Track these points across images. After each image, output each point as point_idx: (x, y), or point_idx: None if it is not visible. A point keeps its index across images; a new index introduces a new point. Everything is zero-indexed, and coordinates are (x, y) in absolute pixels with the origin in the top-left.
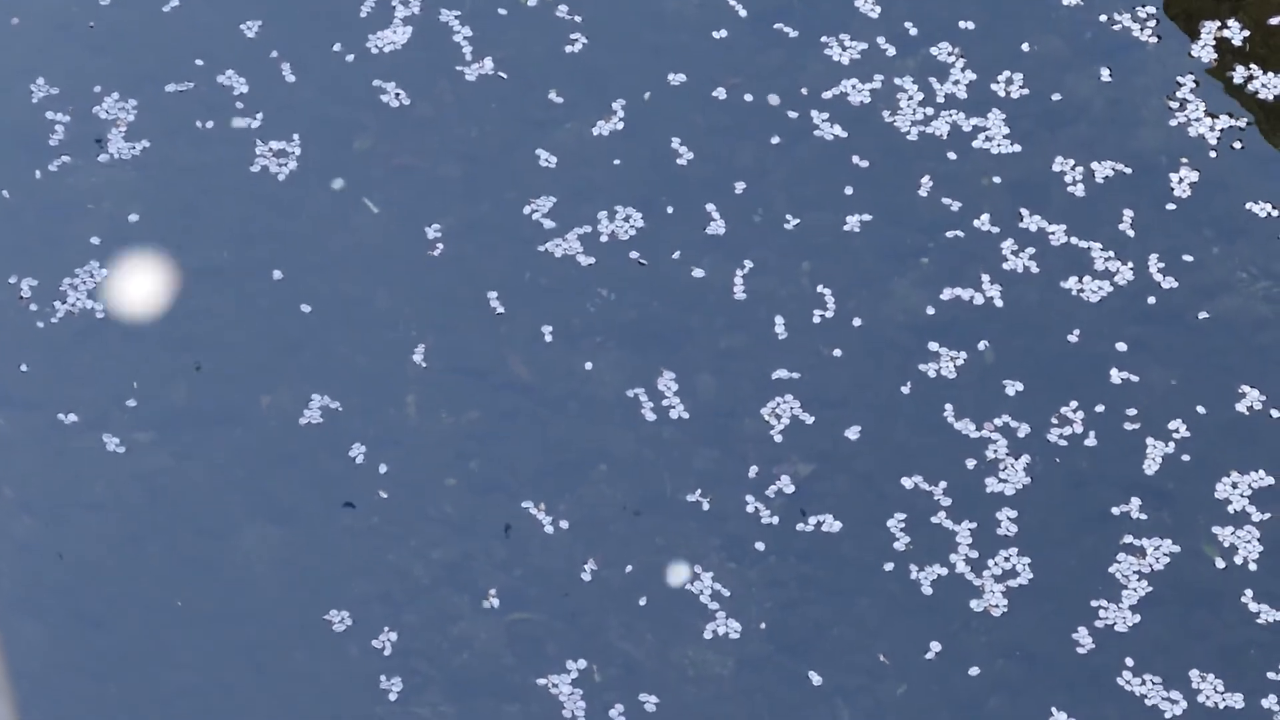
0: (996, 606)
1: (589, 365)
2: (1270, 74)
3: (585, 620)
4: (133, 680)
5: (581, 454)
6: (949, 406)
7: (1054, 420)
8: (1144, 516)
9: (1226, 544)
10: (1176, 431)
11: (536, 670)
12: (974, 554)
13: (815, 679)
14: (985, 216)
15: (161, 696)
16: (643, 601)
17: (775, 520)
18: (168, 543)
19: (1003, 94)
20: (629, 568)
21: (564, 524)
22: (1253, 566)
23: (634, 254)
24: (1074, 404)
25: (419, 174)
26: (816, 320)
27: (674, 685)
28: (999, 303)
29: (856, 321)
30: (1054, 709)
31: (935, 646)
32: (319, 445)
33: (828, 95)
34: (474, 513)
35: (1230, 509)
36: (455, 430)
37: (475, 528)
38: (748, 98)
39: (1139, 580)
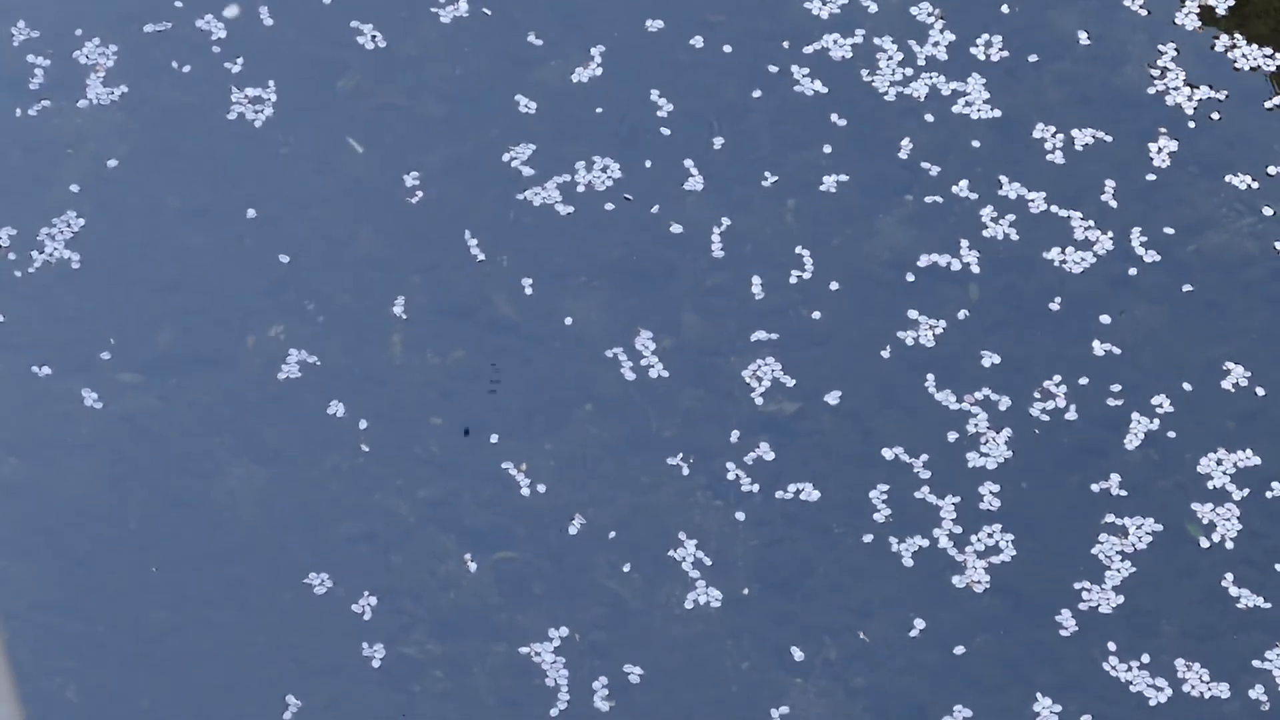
0: (979, 583)
1: (570, 318)
2: (1252, 45)
3: (571, 560)
4: (118, 619)
5: (567, 393)
6: (930, 377)
7: (1036, 395)
8: (1124, 493)
9: (1206, 521)
10: (1160, 406)
11: (523, 609)
12: (957, 529)
13: (801, 619)
14: (964, 182)
15: (146, 635)
16: (629, 542)
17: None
18: (153, 483)
19: (982, 57)
20: (615, 507)
21: (540, 487)
22: (1230, 545)
23: (626, 196)
24: (1057, 378)
25: (403, 113)
26: (793, 281)
27: (660, 626)
28: (978, 269)
29: (834, 285)
30: (1039, 694)
31: (919, 624)
32: (304, 384)
33: (809, 50)
34: (460, 452)
35: (1211, 485)
36: (441, 370)
37: (461, 467)
38: (727, 49)
39: (1122, 560)
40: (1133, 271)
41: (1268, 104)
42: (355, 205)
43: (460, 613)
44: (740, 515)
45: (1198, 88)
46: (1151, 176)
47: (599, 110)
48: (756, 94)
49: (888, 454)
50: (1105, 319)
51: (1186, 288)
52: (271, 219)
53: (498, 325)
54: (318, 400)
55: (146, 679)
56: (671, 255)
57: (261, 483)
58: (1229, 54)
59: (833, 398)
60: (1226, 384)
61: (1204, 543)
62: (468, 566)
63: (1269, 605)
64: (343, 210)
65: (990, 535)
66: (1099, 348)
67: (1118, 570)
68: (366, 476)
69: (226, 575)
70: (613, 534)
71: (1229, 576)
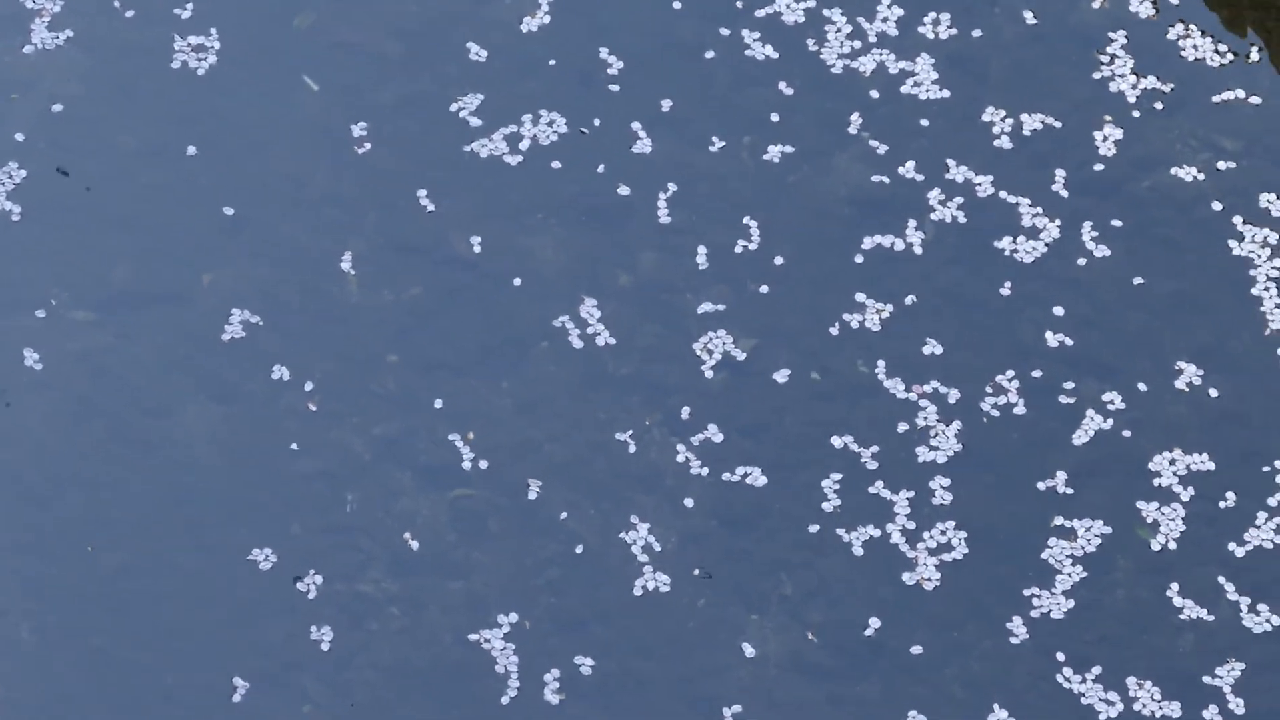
0: (929, 580)
1: (527, 256)
2: (1203, 36)
3: (527, 496)
4: (73, 558)
5: (524, 330)
6: (881, 363)
7: (988, 389)
8: (1071, 491)
9: (1150, 519)
10: (1111, 403)
11: (479, 547)
12: (911, 525)
13: (755, 558)
14: (911, 164)
15: (102, 575)
16: (586, 479)
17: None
18: (109, 422)
19: (931, 35)
20: (573, 443)
21: (498, 425)
22: (1173, 545)
23: (582, 130)
24: (1010, 373)
25: (358, 52)
26: (739, 251)
27: (617, 565)
28: (924, 253)
29: (778, 260)
30: (996, 706)
31: (875, 623)
32: (260, 322)
33: (761, 13)
34: (416, 390)
35: (1158, 484)
36: (397, 306)
37: (417, 405)
38: (676, 5)
39: (1072, 564)
40: (1082, 262)
41: (1215, 98)
42: (311, 144)
43: (416, 550)
44: (695, 457)
45: (1144, 76)
46: (1099, 166)
47: (551, 63)
48: (709, 55)
49: (837, 442)
50: (1059, 310)
51: (1138, 280)
52: (226, 157)
53: (454, 263)
54: (273, 339)
55: (102, 619)
56: (617, 217)
57: (218, 421)
58: (1180, 43)
59: (781, 375)
60: (1180, 383)
61: (1155, 545)
62: (411, 544)
63: (1212, 618)
64: (298, 148)
65: (944, 533)
66: (1052, 339)
67: (1068, 574)
68: (322, 414)
69: (183, 514)
70: (570, 472)
71: (1174, 586)
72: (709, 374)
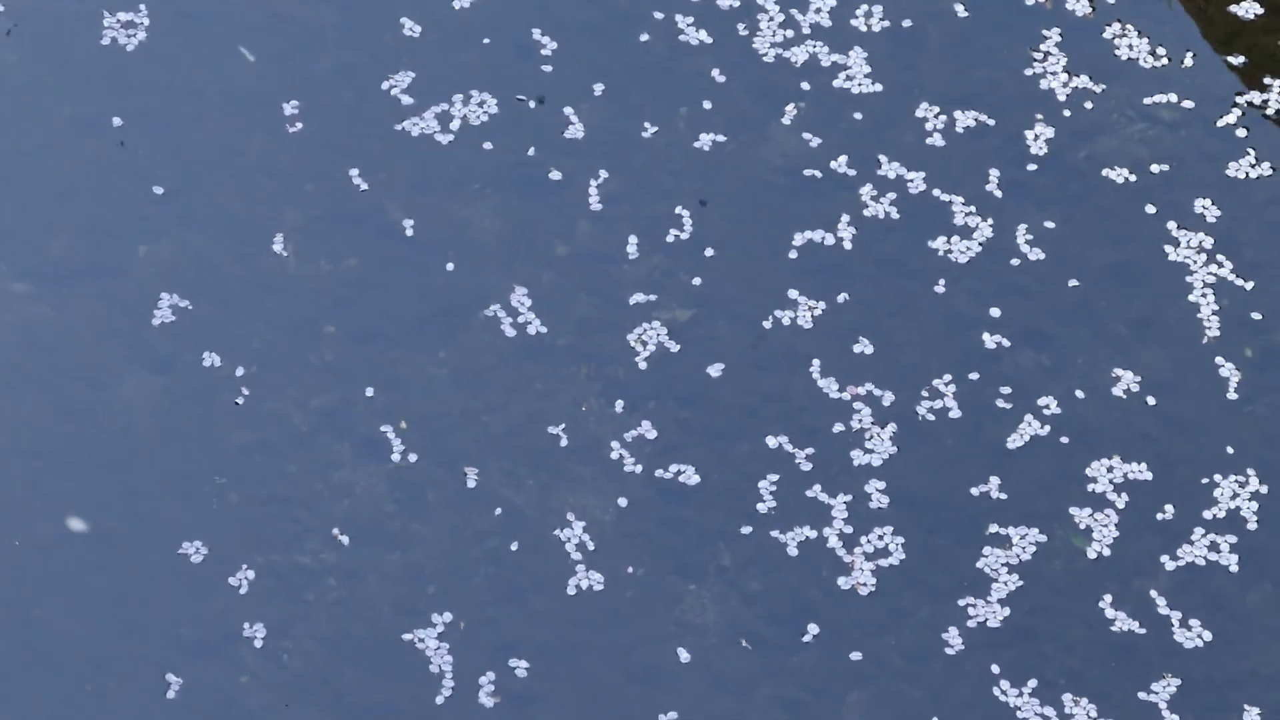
0: (864, 585)
1: (463, 226)
2: (1139, 36)
3: (466, 465)
4: (12, 529)
5: (461, 300)
6: (816, 362)
7: (925, 394)
8: (1005, 496)
9: (1083, 525)
10: (1048, 408)
11: (418, 518)
12: (848, 529)
13: (694, 526)
14: (844, 158)
15: (43, 545)
16: (523, 445)
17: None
18: (47, 393)
19: (864, 28)
20: (510, 414)
21: (436, 395)
22: (1108, 553)
23: (519, 98)
24: (947, 377)
25: (292, 22)
26: (670, 240)
27: (554, 534)
28: (857, 251)
29: (709, 251)
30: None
31: (813, 629)
32: (197, 293)
33: None
34: (353, 360)
35: (1094, 491)
36: (333, 277)
37: (355, 375)
38: None
39: (1008, 573)
40: (1016, 263)
41: (1146, 100)
42: (246, 115)
43: (354, 521)
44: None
45: (1077, 75)
46: (1032, 167)
47: (485, 41)
48: (644, 37)
49: (771, 442)
50: (995, 312)
51: (1073, 283)
52: (161, 129)
53: (390, 234)
54: (211, 309)
55: (40, 589)
56: (548, 205)
57: (155, 391)
58: (1115, 43)
59: (715, 369)
60: (1118, 390)
61: (1091, 554)
62: (341, 539)
63: (1144, 631)
64: (234, 119)
65: (881, 538)
66: (989, 340)
67: (1004, 583)
68: (259, 385)
69: (120, 485)
70: (507, 442)
71: (1107, 598)
72: (643, 365)
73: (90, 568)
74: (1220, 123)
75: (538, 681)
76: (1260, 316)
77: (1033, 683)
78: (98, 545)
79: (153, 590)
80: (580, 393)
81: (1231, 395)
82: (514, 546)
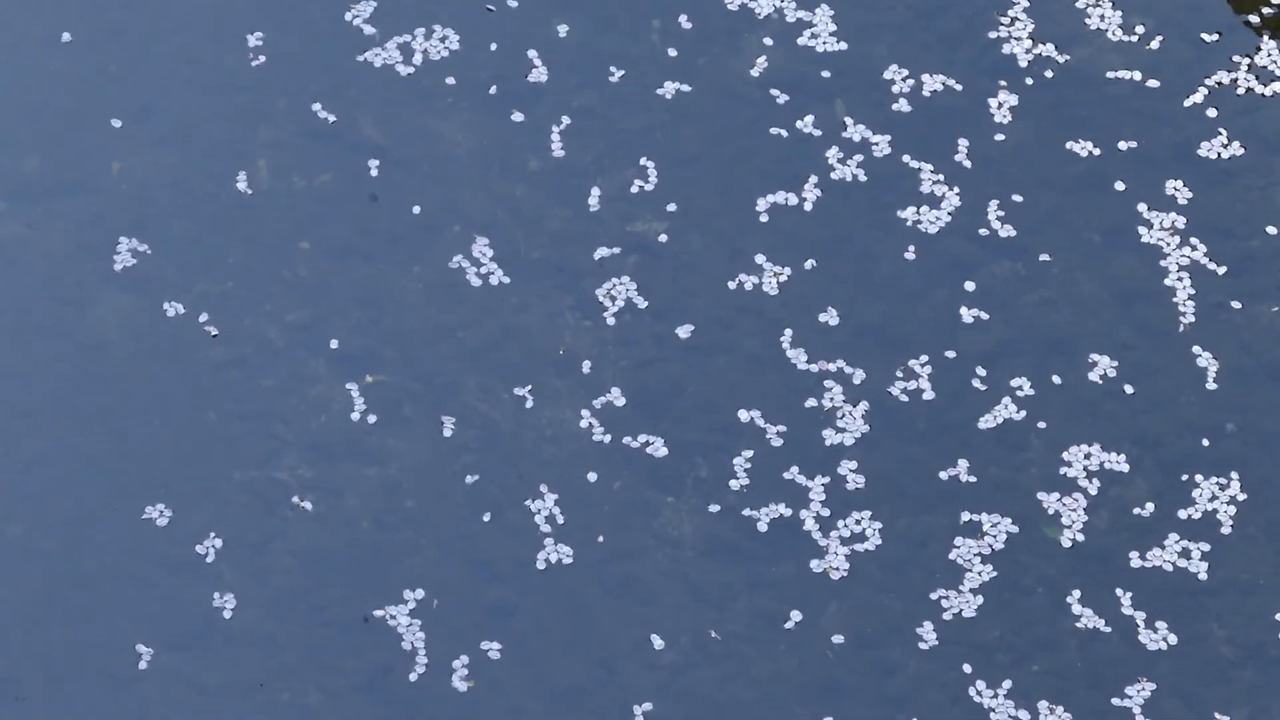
0: (836, 570)
1: (437, 141)
2: (1113, 8)
3: (442, 380)
4: None
5: (435, 216)
6: (788, 332)
7: (899, 374)
8: (974, 479)
9: (1051, 510)
10: (1020, 389)
11: (394, 432)
12: (825, 512)
13: (673, 437)
14: (810, 118)
15: (18, 463)
16: (497, 359)
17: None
18: (22, 311)
19: None
20: (485, 328)
21: (410, 310)
22: (1079, 549)
23: (489, 8)
24: (924, 358)
25: None
26: (634, 191)
27: (531, 446)
28: (824, 215)
29: (671, 206)
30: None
31: (797, 616)
32: (171, 211)
33: None
34: (329, 276)
35: (1067, 480)
36: (307, 194)
37: (330, 291)
38: None
39: (981, 563)
40: (983, 232)
41: (1110, 73)
42: (218, 31)
43: (331, 436)
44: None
45: (1042, 44)
46: (1000, 137)
47: None
48: None
49: (744, 416)
50: (970, 285)
51: (1044, 257)
52: (136, 45)
53: (364, 149)
54: (185, 227)
55: (18, 507)
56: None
57: (130, 309)
58: (1086, 12)
59: (684, 330)
60: (1094, 375)
61: (1065, 542)
62: (304, 505)
63: (1109, 629)
64: (206, 36)
65: (859, 522)
66: (967, 315)
67: (976, 573)
68: (235, 302)
69: (96, 403)
70: (482, 357)
71: (1075, 594)
72: (610, 320)
73: (68, 484)
74: (1188, 102)
75: (518, 594)
76: (1239, 305)
77: (1007, 683)
78: (75, 462)
79: (129, 508)
80: (555, 306)
81: (1210, 385)
82: (491, 460)
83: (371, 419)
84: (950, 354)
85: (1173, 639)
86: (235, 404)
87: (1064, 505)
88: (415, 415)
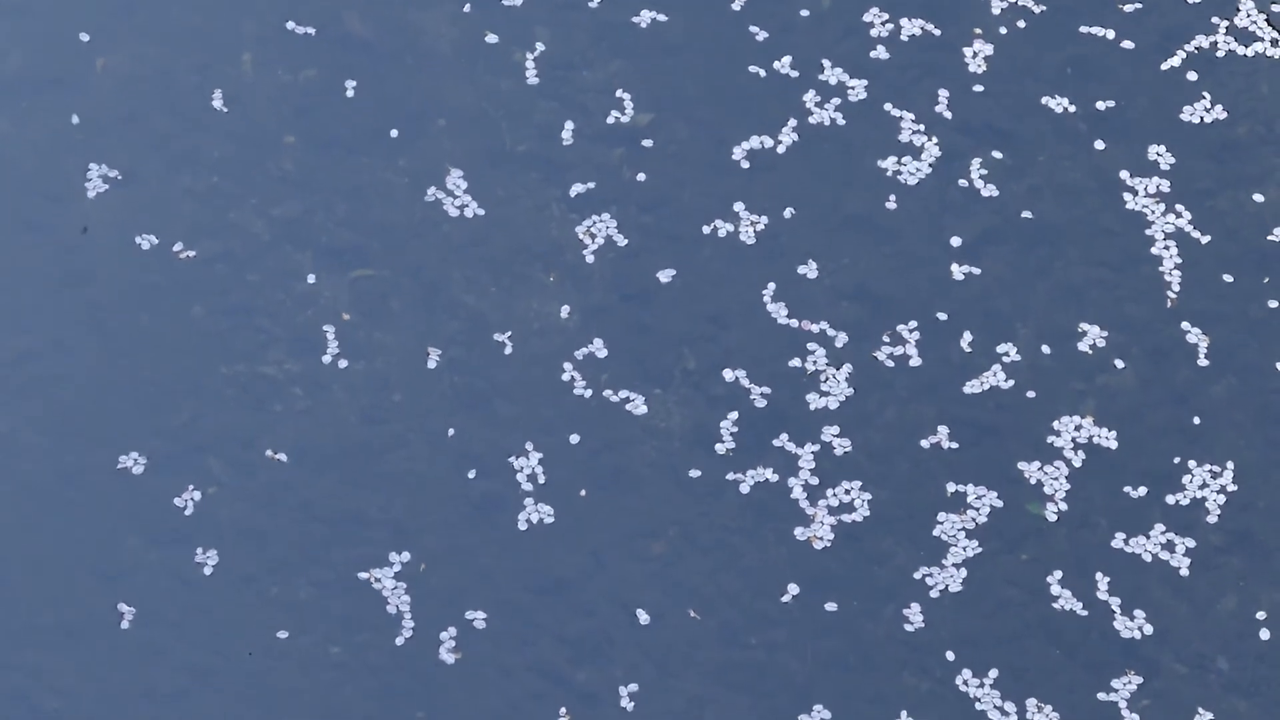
0: (820, 539)
1: (421, 33)
2: None
3: (428, 275)
4: None
5: (421, 107)
6: (771, 285)
7: (886, 338)
8: (956, 444)
9: (1033, 480)
10: (1006, 355)
11: (381, 326)
12: (814, 481)
13: (657, 329)
14: (787, 59)
15: (4, 360)
16: (486, 256)
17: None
18: (8, 208)
19: None
20: (470, 222)
21: (395, 204)
22: (1063, 506)
23: None
24: (913, 323)
25: None
26: (610, 122)
27: (521, 334)
28: (800, 161)
29: (647, 142)
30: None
31: (794, 590)
32: (157, 105)
33: None
34: (314, 170)
35: (1054, 457)
36: (293, 88)
37: (316, 185)
38: None
39: (966, 539)
40: (963, 183)
41: (1083, 28)
42: None
43: (318, 331)
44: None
45: None
46: (979, 88)
47: None
48: None
49: (728, 375)
50: (956, 240)
51: (1026, 214)
52: None
53: (348, 42)
54: (170, 120)
55: (4, 403)
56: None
57: (115, 205)
58: None
59: (665, 275)
60: (1083, 345)
61: (1051, 516)
62: (279, 457)
63: (1086, 613)
64: None
65: (848, 491)
66: (958, 271)
67: (961, 549)
68: (221, 196)
69: (82, 298)
70: (469, 250)
71: (1058, 574)
72: (590, 258)
73: (54, 379)
74: (1165, 65)
75: (503, 487)
76: (1231, 279)
77: (993, 673)
78: (62, 357)
79: (117, 400)
80: (542, 199)
81: (1202, 362)
82: (478, 354)
83: (358, 313)
84: (941, 315)
85: (1148, 629)
86: (221, 299)
87: (1045, 475)
88: (401, 308)
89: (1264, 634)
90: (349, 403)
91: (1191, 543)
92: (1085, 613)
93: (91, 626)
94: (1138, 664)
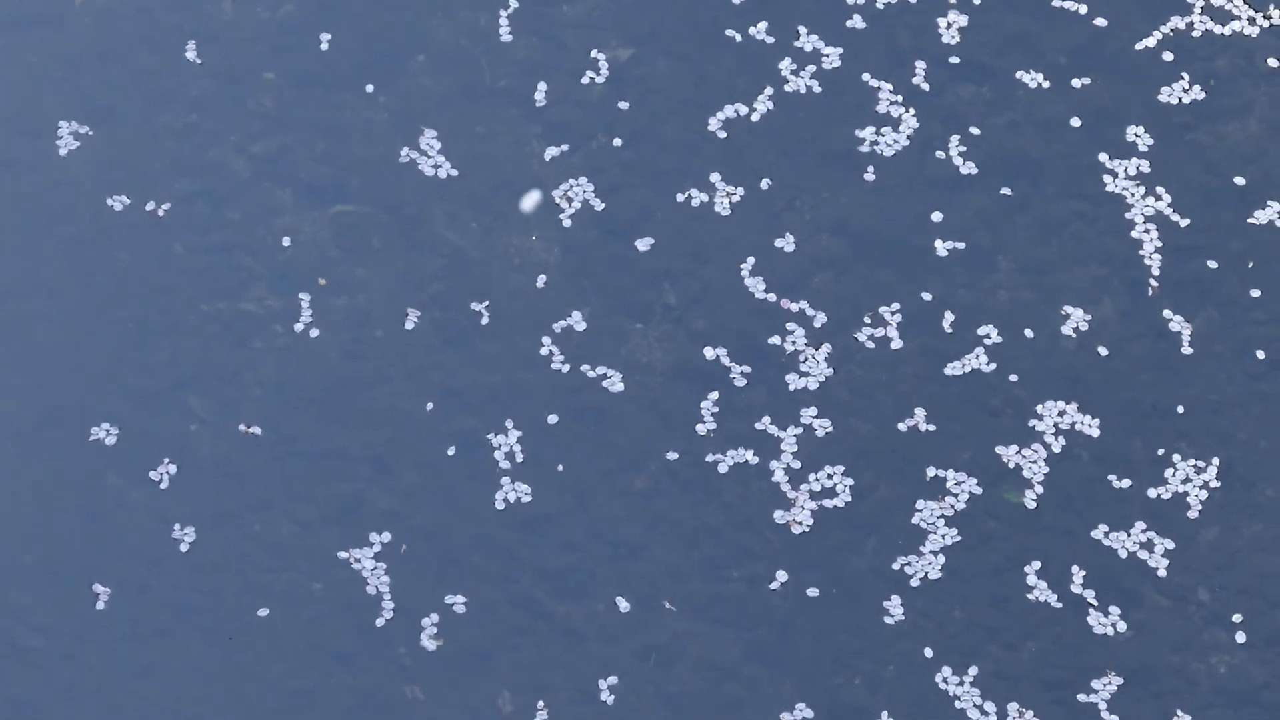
0: (799, 524)
1: None
2: None
3: (408, 211)
4: None
5: (400, 44)
6: (750, 259)
7: (866, 319)
8: (933, 426)
9: (1011, 465)
10: (988, 337)
11: (362, 262)
12: (795, 465)
13: (638, 267)
14: (763, 24)
15: None
16: (464, 188)
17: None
18: None
19: None
20: (452, 154)
21: (376, 138)
22: (1043, 488)
23: None
24: (895, 305)
25: None
26: (584, 82)
27: (500, 275)
28: (777, 129)
29: (623, 105)
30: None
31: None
32: (135, 42)
33: None
34: (293, 106)
35: (1035, 444)
36: (271, 24)
37: (295, 121)
38: None
39: (945, 526)
40: (939, 155)
41: (1055, 2)
42: None
43: (299, 267)
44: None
45: None
46: (955, 59)
47: None
48: None
49: (710, 353)
50: (937, 216)
51: (1004, 191)
52: None
53: None
54: (148, 58)
55: None
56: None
57: (94, 142)
58: None
59: (643, 244)
60: (1066, 329)
61: (1030, 503)
62: (253, 431)
63: (1060, 605)
64: None
65: (831, 476)
66: (942, 247)
67: (939, 537)
68: (199, 133)
69: (61, 235)
70: (449, 186)
71: (1036, 564)
72: (567, 222)
73: (32, 318)
74: (1140, 45)
75: (483, 422)
76: (1216, 265)
77: (973, 670)
78: (39, 295)
79: (96, 339)
80: (523, 135)
81: (1185, 349)
82: (460, 290)
83: (339, 249)
84: (925, 296)
85: (1122, 625)
86: (202, 236)
87: (1023, 458)
88: (382, 245)
89: (1240, 637)
90: (330, 339)
91: (1170, 544)
92: (1060, 605)
93: (72, 563)
94: (1116, 662)
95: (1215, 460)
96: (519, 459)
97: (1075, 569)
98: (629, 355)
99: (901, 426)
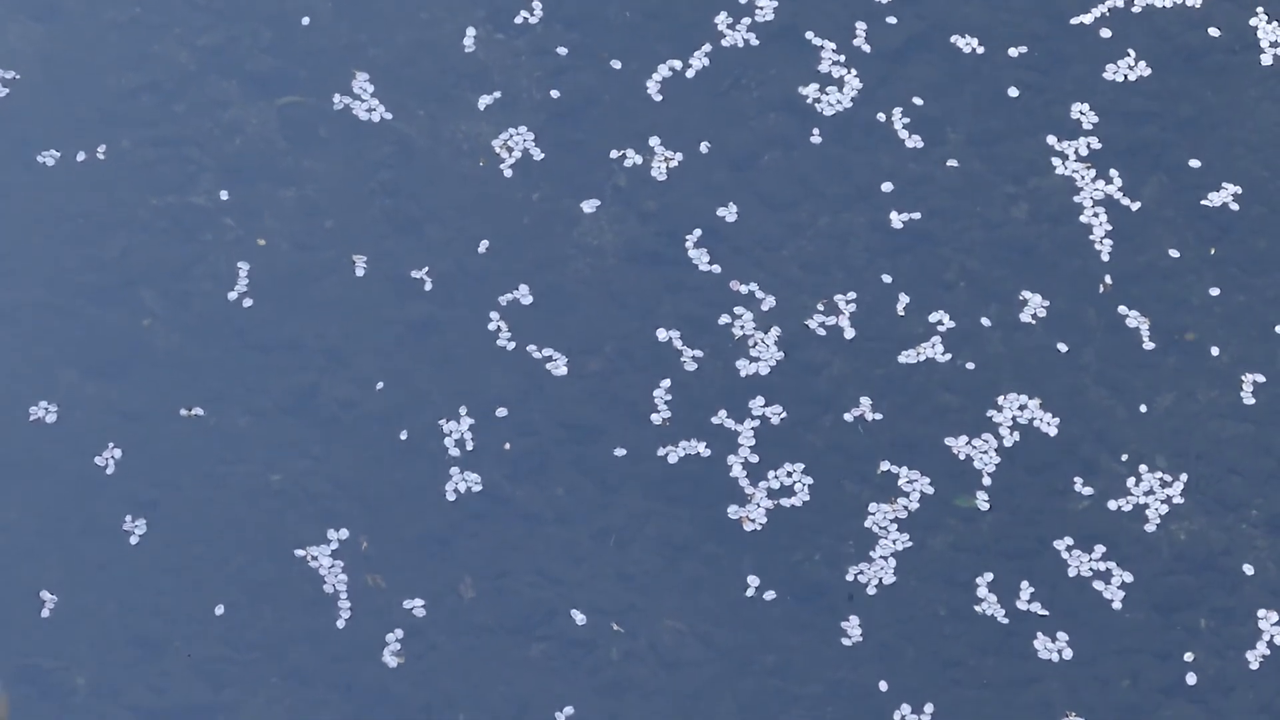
0: (751, 520)
1: None
2: None
3: (357, 102)
4: None
5: None
6: (693, 233)
7: (820, 307)
8: (880, 418)
9: (963, 456)
10: (940, 324)
11: (309, 154)
12: (754, 458)
13: (590, 147)
14: None
15: None
16: (413, 80)
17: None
18: None
19: None
20: (396, 44)
21: (320, 28)
22: (996, 476)
23: None
24: (851, 294)
25: None
26: (519, 23)
27: (448, 163)
28: (716, 89)
29: (561, 49)
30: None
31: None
32: None
33: None
34: None
35: (991, 421)
36: None
37: (239, 12)
38: None
39: (897, 530)
40: (880, 117)
41: None
42: None
43: (247, 159)
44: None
45: None
46: (892, 19)
47: None
48: None
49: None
50: (888, 187)
51: (951, 163)
52: None
53: None
54: None
55: None
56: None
57: (39, 39)
58: None
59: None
60: (1025, 315)
61: (983, 506)
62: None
63: (1008, 619)
64: None
65: (790, 473)
66: (897, 219)
67: (891, 541)
68: (144, 27)
69: (9, 133)
70: (395, 73)
71: (988, 576)
72: (508, 173)
73: None
74: (1075, 20)
75: (441, 308)
76: (1177, 254)
77: (930, 707)
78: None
79: (44, 235)
80: (468, 20)
81: (1147, 345)
82: (409, 176)
83: (286, 140)
84: (886, 278)
85: (1068, 653)
86: (149, 130)
87: (974, 449)
88: (330, 135)
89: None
90: (281, 230)
91: (1129, 576)
92: (1006, 620)
93: (20, 463)
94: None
95: (1182, 476)
96: (480, 345)
97: (1024, 584)
98: (580, 238)
99: (848, 416)
